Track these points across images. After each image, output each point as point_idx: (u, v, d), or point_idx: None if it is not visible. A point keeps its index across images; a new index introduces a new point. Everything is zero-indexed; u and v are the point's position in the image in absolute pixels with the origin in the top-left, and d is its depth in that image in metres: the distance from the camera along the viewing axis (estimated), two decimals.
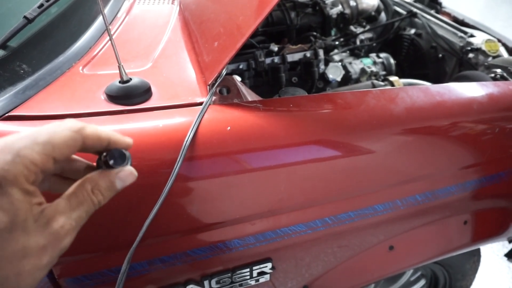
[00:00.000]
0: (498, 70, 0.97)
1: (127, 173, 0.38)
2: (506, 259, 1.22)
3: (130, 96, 0.57)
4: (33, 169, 0.30)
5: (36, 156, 0.30)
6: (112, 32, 0.80)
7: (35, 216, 0.30)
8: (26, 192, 0.30)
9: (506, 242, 1.10)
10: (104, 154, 0.37)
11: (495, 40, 1.10)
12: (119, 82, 0.58)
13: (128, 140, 0.39)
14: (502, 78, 0.95)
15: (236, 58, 1.02)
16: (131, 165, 0.39)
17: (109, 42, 0.54)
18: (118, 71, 0.57)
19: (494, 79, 0.95)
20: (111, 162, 0.36)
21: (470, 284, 1.28)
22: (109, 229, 0.55)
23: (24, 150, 0.30)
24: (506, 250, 1.22)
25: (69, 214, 0.33)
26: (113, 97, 0.58)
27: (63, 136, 0.32)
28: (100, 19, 0.80)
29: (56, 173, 0.38)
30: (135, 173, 0.39)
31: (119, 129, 0.53)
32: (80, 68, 0.66)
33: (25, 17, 0.61)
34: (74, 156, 0.39)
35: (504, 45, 1.12)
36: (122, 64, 0.56)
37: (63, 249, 0.33)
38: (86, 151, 0.36)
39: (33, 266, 0.30)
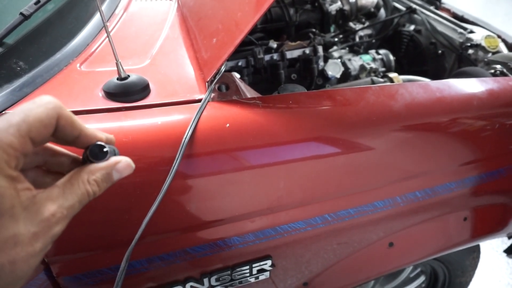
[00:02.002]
0: (498, 66, 0.97)
1: (125, 165, 0.37)
2: (505, 255, 1.22)
3: (128, 93, 0.57)
4: (12, 153, 0.29)
5: (12, 139, 0.29)
6: (109, 29, 0.79)
7: (24, 203, 0.30)
8: (10, 177, 0.29)
9: (505, 238, 1.10)
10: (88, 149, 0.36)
11: (495, 36, 1.10)
12: (117, 79, 0.58)
13: (100, 135, 0.37)
14: (502, 74, 0.94)
15: (235, 55, 1.01)
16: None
17: (107, 39, 0.54)
18: (116, 68, 0.56)
19: (494, 75, 0.95)
20: (91, 156, 0.36)
21: (470, 280, 1.28)
22: (108, 227, 0.54)
23: None
24: (505, 246, 1.22)
25: (61, 202, 0.32)
26: (111, 94, 0.57)
27: (37, 113, 0.31)
28: (97, 16, 0.80)
29: (39, 166, 0.37)
30: (133, 165, 0.38)
31: (117, 126, 0.53)
32: (78, 65, 0.66)
33: (21, 13, 0.61)
34: (58, 148, 0.38)
35: (503, 41, 1.11)
36: (120, 61, 0.56)
37: (54, 237, 0.32)
38: (57, 138, 0.34)
39: (26, 253, 0.30)
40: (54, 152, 0.37)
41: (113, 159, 0.36)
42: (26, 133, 0.30)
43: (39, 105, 0.31)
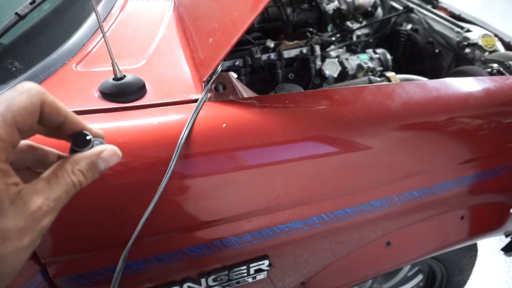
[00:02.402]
0: (495, 65, 0.97)
1: (111, 153, 0.36)
2: (503, 253, 1.23)
3: (124, 94, 0.57)
4: (1, 145, 0.28)
5: (0, 131, 0.28)
6: (106, 29, 0.79)
7: (12, 197, 0.29)
8: (0, 171, 0.29)
9: (503, 236, 1.11)
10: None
11: (492, 35, 1.10)
12: (113, 79, 0.58)
13: (86, 125, 0.36)
14: (499, 73, 0.95)
15: (232, 55, 1.01)
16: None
17: (103, 39, 0.53)
18: (112, 68, 0.56)
19: (491, 74, 0.95)
20: (74, 145, 0.35)
21: (467, 278, 1.28)
22: (105, 228, 0.54)
23: None
24: (502, 244, 1.23)
25: (47, 195, 0.31)
26: (107, 95, 0.57)
27: (21, 101, 0.30)
28: (94, 16, 0.79)
29: (29, 167, 0.37)
30: (119, 153, 0.37)
31: (113, 126, 0.53)
32: (74, 65, 0.65)
33: (16, 13, 0.60)
34: (47, 148, 0.37)
35: (500, 40, 1.12)
36: (116, 61, 0.55)
37: (42, 230, 0.31)
38: (42, 125, 0.33)
39: (15, 248, 0.29)
40: (42, 151, 0.37)
41: (98, 148, 0.35)
42: (12, 123, 0.29)
43: (21, 92, 0.30)
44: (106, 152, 0.35)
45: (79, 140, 0.35)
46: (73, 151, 0.35)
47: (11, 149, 0.30)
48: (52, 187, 0.32)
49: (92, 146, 0.35)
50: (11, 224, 0.29)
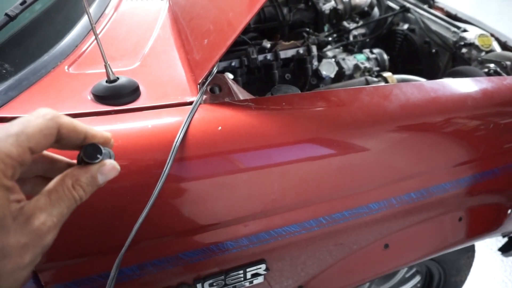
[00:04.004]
0: (492, 65, 0.97)
1: (109, 168, 0.37)
2: (500, 253, 1.23)
3: (117, 96, 0.56)
4: (9, 162, 0.29)
5: (11, 148, 0.29)
6: (99, 30, 0.78)
7: (14, 213, 0.29)
8: (5, 187, 0.29)
9: (500, 237, 1.10)
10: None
11: (488, 34, 1.10)
12: (106, 81, 0.56)
13: (106, 134, 0.37)
14: (496, 73, 0.94)
15: (228, 55, 1.00)
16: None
17: (96, 40, 0.52)
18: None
19: (488, 74, 0.95)
20: (85, 157, 0.35)
21: (465, 279, 1.28)
22: (98, 233, 0.53)
23: None
24: (500, 245, 1.23)
25: (50, 211, 0.32)
26: (100, 97, 0.56)
27: (37, 124, 0.31)
28: (86, 16, 0.78)
29: (39, 174, 0.37)
30: (118, 167, 0.38)
31: (107, 130, 0.51)
32: (66, 67, 0.64)
33: (6, 14, 0.59)
34: (57, 156, 0.37)
35: (497, 39, 1.11)
36: (109, 63, 0.54)
37: (45, 247, 0.32)
38: (63, 145, 0.34)
39: (14, 266, 0.29)
40: (52, 159, 0.37)
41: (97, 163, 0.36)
42: (25, 144, 0.30)
43: (37, 116, 0.31)
44: (106, 166, 0.36)
45: (91, 152, 0.35)
46: (82, 161, 0.35)
47: (19, 168, 0.30)
48: (54, 203, 0.32)
49: (102, 159, 0.36)
50: (13, 241, 0.29)
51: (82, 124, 0.35)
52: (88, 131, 0.35)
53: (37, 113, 0.32)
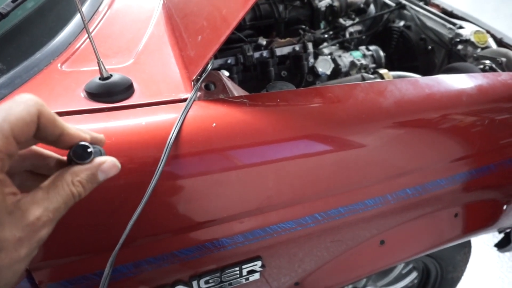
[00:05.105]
0: (487, 62, 0.97)
1: (110, 165, 0.36)
2: (496, 249, 1.23)
3: (111, 93, 0.55)
4: None
5: None
6: (92, 27, 0.77)
7: (9, 207, 0.29)
8: None
9: (496, 233, 1.11)
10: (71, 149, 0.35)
11: (484, 31, 1.10)
12: (99, 79, 0.56)
13: (84, 136, 0.36)
14: (491, 69, 0.94)
15: (224, 53, 1.00)
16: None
17: (88, 38, 0.52)
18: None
19: (483, 70, 0.95)
20: (74, 157, 0.34)
21: (461, 275, 1.29)
22: (92, 231, 0.53)
23: None
24: (496, 240, 1.23)
25: (46, 206, 0.31)
26: (93, 95, 0.56)
27: (18, 112, 0.30)
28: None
29: (27, 169, 0.37)
30: (118, 165, 0.37)
31: (100, 127, 0.51)
32: (59, 65, 0.64)
33: None
34: (47, 152, 0.37)
35: (492, 36, 1.11)
36: (102, 60, 0.54)
37: (40, 241, 0.31)
38: (39, 137, 0.33)
39: (11, 259, 0.29)
40: (41, 155, 0.37)
41: (98, 160, 0.36)
42: (9, 133, 0.29)
43: (19, 103, 0.30)
44: (106, 164, 0.36)
45: (80, 152, 0.35)
46: (72, 162, 0.35)
47: (8, 159, 0.29)
48: (51, 198, 0.32)
49: (93, 159, 0.35)
50: (9, 235, 0.29)
51: (61, 121, 0.33)
52: (66, 129, 0.34)
53: (19, 98, 0.30)
